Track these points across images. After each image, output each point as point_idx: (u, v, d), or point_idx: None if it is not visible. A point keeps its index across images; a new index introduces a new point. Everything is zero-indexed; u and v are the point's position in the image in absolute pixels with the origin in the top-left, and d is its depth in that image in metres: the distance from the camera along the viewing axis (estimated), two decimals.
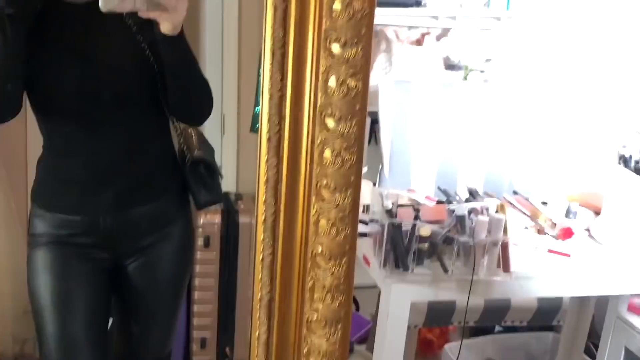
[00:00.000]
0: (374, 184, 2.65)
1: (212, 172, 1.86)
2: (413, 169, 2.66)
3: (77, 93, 1.61)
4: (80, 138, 1.67)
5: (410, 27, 3.03)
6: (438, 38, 3.04)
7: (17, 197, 2.73)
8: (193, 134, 1.90)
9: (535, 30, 2.99)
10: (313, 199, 0.91)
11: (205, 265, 2.87)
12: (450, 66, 3.06)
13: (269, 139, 0.91)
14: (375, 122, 2.82)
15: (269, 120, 0.90)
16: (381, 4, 2.78)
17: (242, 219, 2.91)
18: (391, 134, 2.66)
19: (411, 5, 2.90)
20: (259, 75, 3.01)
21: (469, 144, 2.71)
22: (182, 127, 1.87)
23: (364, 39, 0.86)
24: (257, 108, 3.02)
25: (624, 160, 2.00)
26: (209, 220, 2.86)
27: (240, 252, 2.93)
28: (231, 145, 3.29)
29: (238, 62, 3.30)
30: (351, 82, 0.88)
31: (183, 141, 1.85)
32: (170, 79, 1.61)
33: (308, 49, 0.88)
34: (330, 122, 0.88)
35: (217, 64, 3.22)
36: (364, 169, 1.87)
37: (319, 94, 0.88)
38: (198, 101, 1.72)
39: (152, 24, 1.52)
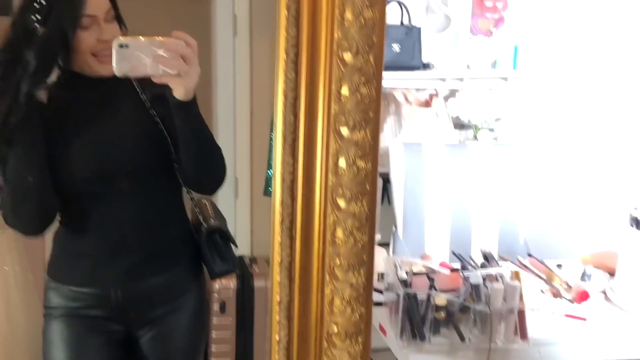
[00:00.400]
0: (388, 245, 2.65)
1: (227, 241, 1.87)
2: (427, 230, 2.66)
3: (92, 172, 1.64)
4: (94, 213, 1.69)
5: (418, 89, 3.07)
6: (446, 98, 3.07)
7: (35, 270, 2.75)
8: (207, 204, 1.92)
9: (544, 89, 3.02)
10: (327, 278, 0.92)
11: (222, 331, 2.86)
12: (459, 125, 3.09)
13: (281, 221, 0.92)
14: (387, 181, 2.83)
15: (282, 202, 0.91)
16: (389, 68, 2.82)
17: (257, 283, 2.91)
18: (403, 195, 2.67)
19: (419, 68, 2.94)
20: (271, 139, 3.05)
21: (481, 203, 2.71)
22: (197, 197, 1.89)
23: (371, 122, 0.89)
24: (269, 171, 3.05)
25: (636, 222, 2.00)
26: (224, 285, 2.86)
27: (256, 316, 2.92)
28: (245, 208, 3.31)
29: (250, 125, 3.35)
30: (360, 163, 0.90)
31: (199, 211, 1.86)
32: (184, 146, 1.63)
33: (318, 132, 0.90)
34: (342, 203, 0.90)
35: (229, 128, 3.27)
36: (377, 237, 1.87)
37: (330, 176, 0.90)
38: (211, 170, 1.73)
39: (165, 99, 1.56)
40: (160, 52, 1.40)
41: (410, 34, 2.92)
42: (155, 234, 1.75)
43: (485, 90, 3.05)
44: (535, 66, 3.01)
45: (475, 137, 3.10)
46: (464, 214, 2.70)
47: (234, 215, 3.25)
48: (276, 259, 0.94)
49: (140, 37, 1.41)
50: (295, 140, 0.91)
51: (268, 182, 3.06)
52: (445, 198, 2.69)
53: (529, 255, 2.44)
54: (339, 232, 0.92)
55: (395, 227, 2.68)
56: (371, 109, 0.88)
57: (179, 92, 1.51)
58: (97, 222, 1.70)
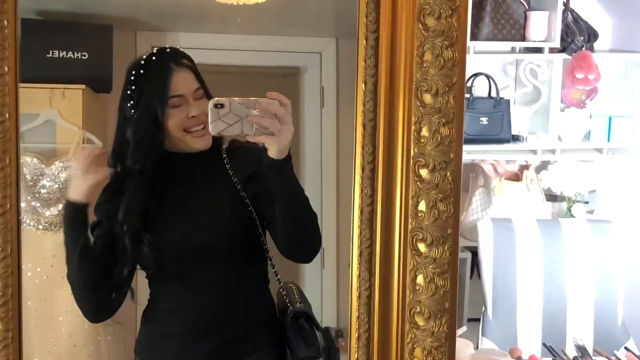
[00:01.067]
0: (478, 320, 2.55)
1: (312, 325, 1.83)
2: (519, 311, 2.54)
3: (180, 251, 1.63)
4: (180, 293, 1.67)
5: (508, 161, 3.01)
6: (538, 170, 3.00)
7: (127, 341, 2.78)
8: (293, 287, 1.88)
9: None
10: (407, 326, 0.88)
11: None
12: (552, 198, 2.99)
13: (359, 296, 0.90)
14: (475, 255, 2.75)
15: (359, 276, 0.89)
16: (477, 141, 2.79)
17: (344, 358, 2.84)
18: (492, 272, 2.57)
19: (508, 141, 2.89)
20: None
21: (576, 283, 2.58)
22: (283, 281, 1.85)
23: (452, 163, 0.87)
24: None
25: None
26: None
27: None
28: (331, 278, 3.26)
29: (337, 194, 3.35)
30: (441, 206, 0.87)
31: (285, 293, 1.83)
32: (279, 207, 1.58)
33: (396, 213, 0.88)
34: (422, 247, 0.87)
35: (316, 197, 3.26)
36: (463, 329, 1.80)
37: (408, 251, 0.88)
38: (307, 234, 1.66)
39: (255, 178, 1.57)
40: (255, 111, 1.41)
41: (499, 107, 2.89)
42: (240, 316, 1.71)
43: (578, 162, 2.96)
44: (632, 138, 2.91)
45: (568, 210, 2.99)
46: (558, 293, 2.58)
47: (320, 286, 3.21)
48: (354, 313, 0.91)
49: (235, 97, 1.44)
50: (372, 212, 0.90)
51: None
52: (538, 277, 2.57)
53: (626, 349, 2.29)
54: (420, 278, 0.89)
55: (485, 306, 2.58)
56: (452, 152, 0.86)
57: (273, 151, 1.48)
58: (181, 303, 1.68)
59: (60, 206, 2.86)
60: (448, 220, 0.87)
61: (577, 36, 2.81)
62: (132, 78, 1.62)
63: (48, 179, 2.86)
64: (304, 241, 1.67)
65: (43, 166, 2.85)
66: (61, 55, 3.00)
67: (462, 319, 2.93)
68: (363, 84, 0.89)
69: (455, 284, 0.88)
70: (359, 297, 0.90)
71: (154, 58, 1.62)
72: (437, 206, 0.87)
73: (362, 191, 0.90)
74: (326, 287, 3.28)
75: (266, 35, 3.30)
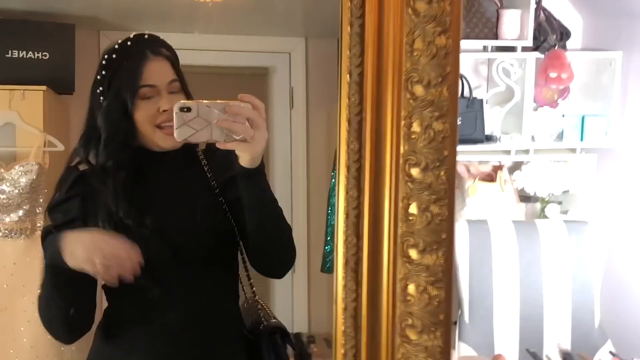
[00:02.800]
0: (455, 324, 2.48)
1: (285, 342, 1.70)
2: (495, 314, 2.48)
3: (151, 257, 1.43)
4: (147, 305, 1.50)
5: (480, 162, 2.95)
6: (511, 171, 2.94)
7: None
8: (264, 306, 1.75)
9: (614, 161, 2.87)
10: (398, 341, 0.80)
11: None
12: (525, 199, 2.94)
13: (344, 308, 0.80)
14: None
15: (345, 287, 0.80)
16: None
17: None
18: (468, 274, 2.51)
19: (481, 142, 2.83)
20: (328, 214, 2.96)
21: (552, 284, 2.53)
22: (255, 298, 1.72)
23: (446, 161, 0.78)
24: (327, 247, 2.94)
25: None
26: None
27: None
28: (302, 284, 3.20)
29: (307, 199, 3.28)
30: (434, 208, 0.79)
31: (260, 308, 1.71)
32: (250, 220, 1.44)
33: (385, 210, 0.80)
34: (414, 253, 0.79)
35: (286, 201, 3.20)
36: None
37: (400, 224, 0.79)
38: (280, 248, 1.53)
39: (235, 184, 1.42)
40: (225, 115, 1.29)
41: (472, 106, 2.83)
42: (211, 332, 1.55)
43: (551, 162, 2.91)
44: (604, 138, 2.87)
45: (542, 211, 2.94)
46: (535, 295, 2.52)
47: (290, 291, 3.13)
48: (340, 318, 0.82)
49: (204, 100, 1.31)
50: (358, 216, 0.80)
51: (325, 257, 2.95)
52: (514, 279, 2.51)
53: (612, 353, 2.23)
54: (411, 288, 0.80)
55: (462, 309, 2.52)
56: (446, 149, 0.78)
57: (245, 159, 1.37)
58: (147, 315, 1.52)
59: (21, 212, 2.74)
60: (442, 224, 0.78)
61: (549, 35, 2.76)
62: (104, 62, 1.49)
63: (7, 184, 2.74)
64: (277, 256, 1.54)
65: (2, 171, 2.73)
66: (21, 55, 2.88)
67: None
68: (348, 75, 0.80)
69: (450, 294, 0.79)
70: (345, 309, 0.80)
71: (129, 43, 1.49)
72: (430, 209, 0.78)
73: (347, 193, 0.80)
74: (297, 291, 3.22)
75: (234, 34, 3.23)
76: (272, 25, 3.20)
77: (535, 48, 2.80)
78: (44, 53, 2.89)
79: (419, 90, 0.77)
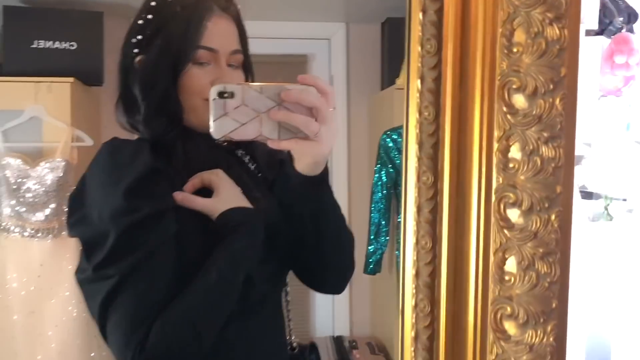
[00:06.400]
0: None
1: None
2: None
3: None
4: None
5: None
6: None
7: None
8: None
9: None
10: (490, 337, 0.56)
11: None
12: (586, 195, 2.67)
13: (415, 337, 0.57)
14: None
15: (415, 308, 0.57)
16: None
17: None
18: None
19: None
20: (371, 211, 2.73)
21: (624, 295, 2.26)
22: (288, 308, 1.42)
23: (559, 200, 0.55)
24: (370, 247, 2.71)
25: None
26: None
27: None
28: None
29: (348, 195, 3.06)
30: (541, 266, 0.56)
31: (291, 325, 1.42)
32: (309, 236, 1.12)
33: (472, 210, 0.57)
34: (511, 328, 0.56)
35: None
36: None
37: (492, 284, 0.56)
38: (345, 264, 1.23)
39: (284, 187, 1.09)
40: (280, 104, 0.94)
41: None
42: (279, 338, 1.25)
43: (616, 156, 2.63)
44: None
45: (605, 209, 2.67)
46: (603, 306, 2.26)
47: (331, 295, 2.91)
48: None
49: (251, 83, 1.00)
50: (433, 275, 0.57)
51: (368, 257, 2.72)
52: (579, 285, 2.26)
53: None
54: (509, 326, 0.57)
55: None
56: (559, 183, 0.54)
57: (304, 163, 1.03)
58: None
59: (48, 211, 2.56)
60: (551, 289, 0.55)
61: (615, 17, 2.47)
62: (154, 4, 1.10)
63: (33, 182, 2.55)
64: (339, 272, 1.23)
65: (28, 167, 2.55)
66: (47, 45, 2.68)
67: None
68: (419, 81, 0.56)
69: (567, 271, 0.55)
70: (416, 337, 0.57)
71: None
72: (536, 266, 0.55)
73: (417, 242, 0.57)
74: (338, 295, 3.00)
75: (270, 20, 3.00)
76: (310, 10, 2.95)
77: (600, 32, 2.52)
78: (71, 43, 2.70)
79: (520, 101, 0.54)
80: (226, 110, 0.94)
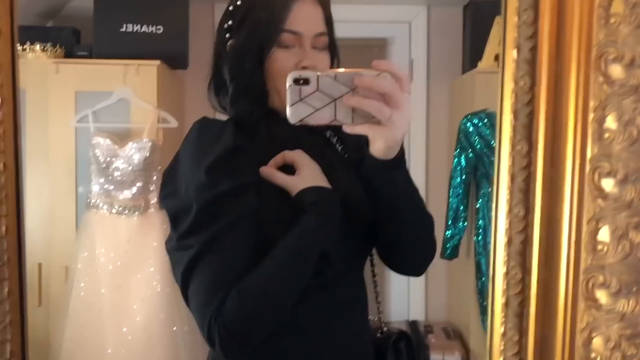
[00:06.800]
0: None
1: (410, 350, 1.44)
2: None
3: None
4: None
5: None
6: None
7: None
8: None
9: None
10: (582, 305, 0.57)
11: None
12: None
13: (503, 350, 0.57)
14: None
15: (505, 323, 0.57)
16: None
17: (434, 356, 2.55)
18: None
19: None
20: (449, 196, 2.72)
21: None
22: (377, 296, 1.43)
23: None
24: (447, 232, 2.70)
25: None
26: None
27: None
28: None
29: (426, 177, 3.05)
30: (635, 236, 0.55)
31: (381, 310, 1.36)
32: (389, 218, 1.14)
33: (566, 184, 0.57)
34: (602, 296, 0.56)
35: None
36: None
37: (584, 255, 0.56)
38: (426, 245, 1.24)
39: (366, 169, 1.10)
40: (354, 90, 0.98)
41: None
42: (356, 343, 1.25)
43: None
44: None
45: None
46: None
47: (407, 277, 2.92)
48: None
49: (326, 70, 1.02)
50: (525, 242, 0.57)
51: (446, 242, 2.71)
52: None
53: None
54: (598, 340, 0.57)
55: None
56: None
57: (378, 147, 1.04)
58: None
59: (134, 189, 2.66)
60: None
61: None
62: None
63: (121, 161, 2.65)
64: (420, 253, 1.24)
65: (116, 147, 2.64)
66: (135, 29, 2.77)
67: None
68: (515, 51, 0.57)
69: None
70: (503, 351, 0.58)
71: None
72: (629, 235, 0.55)
73: (510, 211, 0.58)
74: (414, 278, 2.99)
75: (349, 3, 3.01)
76: None
77: None
78: (157, 27, 2.78)
79: (617, 71, 0.54)
80: (302, 96, 0.99)
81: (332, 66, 1.21)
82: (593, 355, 0.56)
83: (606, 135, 0.55)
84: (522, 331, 0.58)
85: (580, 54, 0.55)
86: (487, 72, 2.64)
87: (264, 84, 1.16)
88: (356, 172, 1.17)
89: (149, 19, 2.75)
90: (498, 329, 0.58)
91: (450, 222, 2.67)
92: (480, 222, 2.64)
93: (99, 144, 2.61)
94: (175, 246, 1.10)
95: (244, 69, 1.15)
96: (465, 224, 2.68)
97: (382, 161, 1.06)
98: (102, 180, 2.62)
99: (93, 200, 2.64)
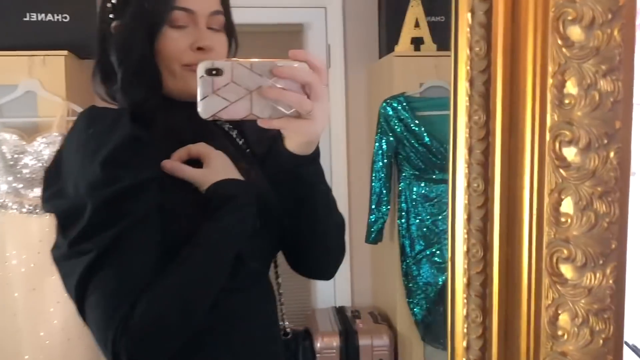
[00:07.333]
0: None
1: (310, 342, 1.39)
2: None
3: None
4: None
5: None
6: None
7: None
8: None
9: None
10: (546, 281, 0.54)
11: None
12: None
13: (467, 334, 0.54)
14: None
15: (466, 314, 0.53)
16: None
17: (363, 341, 2.53)
18: None
19: None
20: (373, 179, 2.70)
21: None
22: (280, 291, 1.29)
23: (618, 137, 0.52)
24: (372, 216, 2.69)
25: None
26: (326, 344, 2.49)
27: None
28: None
29: (347, 164, 3.03)
30: (600, 206, 0.53)
31: (283, 309, 1.29)
32: (298, 220, 1.09)
33: (525, 161, 0.54)
34: (568, 271, 0.53)
35: (325, 170, 2.94)
36: None
37: (547, 228, 0.53)
38: (335, 249, 1.18)
39: (273, 162, 1.06)
40: (271, 81, 0.90)
41: None
42: (273, 345, 1.19)
43: None
44: None
45: None
46: None
47: None
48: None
49: (239, 59, 0.93)
50: (485, 218, 0.54)
51: (370, 227, 2.70)
52: None
53: None
54: (565, 269, 0.54)
55: None
56: (618, 118, 0.52)
57: (295, 142, 0.98)
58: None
59: None
60: (611, 229, 0.53)
61: None
62: None
63: (30, 157, 2.50)
64: (329, 258, 1.18)
65: (24, 143, 2.49)
66: (39, 18, 2.61)
67: None
68: (469, 14, 0.53)
69: (626, 210, 0.53)
70: (467, 349, 0.55)
71: None
72: (594, 206, 0.53)
73: (469, 185, 0.54)
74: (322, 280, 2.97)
75: None
76: None
77: None
78: (64, 15, 2.65)
79: (576, 32, 0.51)
80: (214, 89, 0.89)
81: (229, 49, 1.13)
82: (560, 332, 0.53)
83: (567, 101, 0.52)
84: (485, 311, 0.54)
85: (537, 15, 0.52)
86: (404, 55, 2.64)
87: (156, 67, 1.06)
88: (260, 166, 1.12)
89: (54, 7, 2.62)
90: (460, 311, 0.54)
91: (373, 207, 2.66)
92: (403, 205, 2.64)
93: (5, 140, 2.46)
94: (65, 254, 0.96)
95: (132, 52, 1.04)
96: (388, 207, 2.68)
97: (300, 156, 1.00)
98: (10, 178, 2.47)
99: (1, 200, 2.49)
